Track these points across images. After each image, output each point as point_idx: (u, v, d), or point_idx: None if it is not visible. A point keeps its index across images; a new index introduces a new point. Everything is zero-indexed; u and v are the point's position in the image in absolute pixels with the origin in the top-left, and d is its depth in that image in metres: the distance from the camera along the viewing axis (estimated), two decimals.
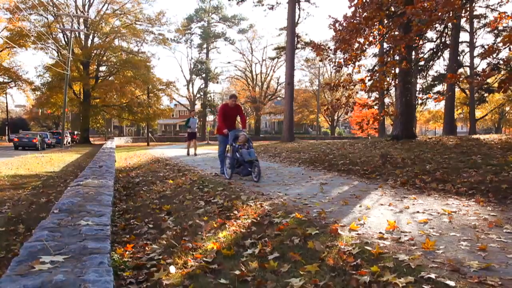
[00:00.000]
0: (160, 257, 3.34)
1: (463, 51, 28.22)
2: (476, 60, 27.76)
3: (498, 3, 20.38)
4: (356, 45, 11.58)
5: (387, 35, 11.91)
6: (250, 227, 4.02)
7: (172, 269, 2.96)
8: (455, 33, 19.90)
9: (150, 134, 47.34)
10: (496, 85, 15.13)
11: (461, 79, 14.62)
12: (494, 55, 11.25)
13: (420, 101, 24.04)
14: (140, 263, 3.21)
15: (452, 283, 2.39)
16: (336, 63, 12.50)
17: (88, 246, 2.67)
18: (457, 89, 27.17)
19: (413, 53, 13.33)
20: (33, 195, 7.62)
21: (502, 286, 2.38)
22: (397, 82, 12.31)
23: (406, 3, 10.20)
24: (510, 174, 5.88)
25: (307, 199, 5.29)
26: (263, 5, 29.95)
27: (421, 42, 13.22)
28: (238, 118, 8.74)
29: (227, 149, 8.25)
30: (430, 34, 17.90)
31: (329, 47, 13.49)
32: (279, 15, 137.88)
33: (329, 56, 13.54)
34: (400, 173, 7.07)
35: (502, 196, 5.02)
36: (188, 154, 15.08)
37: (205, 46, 59.61)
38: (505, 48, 8.99)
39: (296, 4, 23.67)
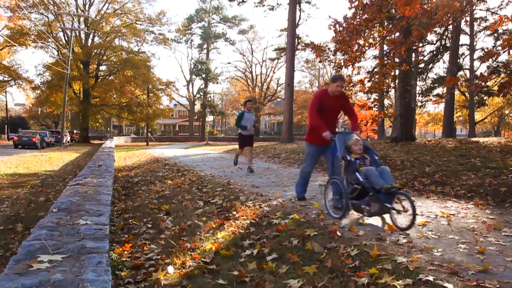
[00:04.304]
0: (159, 257, 3.33)
1: (463, 53, 28.24)
2: (476, 63, 27.77)
3: (499, 6, 20.43)
4: (356, 46, 11.59)
5: (387, 38, 11.92)
6: (249, 228, 4.02)
7: (170, 269, 2.96)
8: (455, 36, 19.91)
9: (149, 134, 47.32)
10: (496, 88, 15.17)
11: (460, 82, 14.64)
12: (494, 59, 11.28)
13: (419, 104, 24.04)
14: (138, 263, 3.20)
15: (450, 286, 2.39)
16: (336, 64, 12.51)
17: (86, 246, 2.67)
18: (456, 92, 27.20)
19: (413, 55, 13.35)
20: (31, 194, 7.61)
21: None
22: (396, 84, 12.33)
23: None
24: (509, 178, 5.89)
25: (306, 200, 5.28)
26: (263, 6, 30.03)
27: (421, 45, 13.23)
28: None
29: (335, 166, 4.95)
30: (430, 36, 17.90)
31: (329, 48, 13.50)
32: (279, 16, 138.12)
33: (329, 57, 13.55)
34: (399, 175, 7.07)
35: (501, 199, 5.03)
36: (235, 163, 9.89)
37: (205, 46, 59.63)
38: (504, 52, 9.01)
39: (297, 5, 23.71)
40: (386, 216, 4.00)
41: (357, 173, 4.12)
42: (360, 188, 4.06)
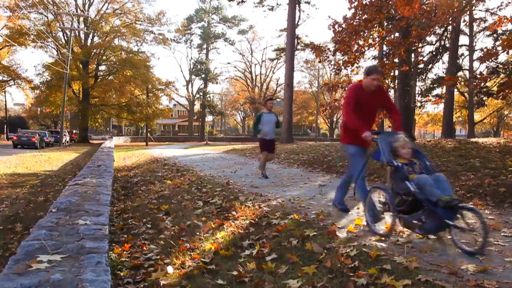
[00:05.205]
0: (158, 257, 3.33)
1: (462, 54, 28.26)
2: (476, 64, 27.79)
3: (498, 7, 20.45)
4: (356, 47, 11.60)
5: (386, 39, 11.94)
6: (248, 228, 4.02)
7: (169, 269, 2.96)
8: (454, 36, 19.95)
9: (149, 134, 47.30)
10: (495, 89, 15.19)
11: (459, 81, 14.68)
12: (493, 59, 11.31)
13: (418, 104, 24.07)
14: (137, 263, 3.21)
15: (449, 286, 2.40)
16: (335, 64, 12.52)
17: (85, 246, 2.67)
18: (456, 92, 27.24)
19: (413, 55, 13.37)
20: (31, 194, 7.60)
21: None
22: (396, 85, 12.34)
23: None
24: (508, 178, 5.89)
25: (305, 201, 5.29)
26: (263, 6, 30.05)
27: (420, 45, 13.25)
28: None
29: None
30: (430, 37, 17.94)
31: (328, 49, 13.51)
32: (279, 16, 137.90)
33: (328, 57, 13.56)
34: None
35: (500, 199, 5.03)
36: (262, 173, 8.09)
37: (205, 46, 59.66)
38: (503, 52, 9.03)
39: (296, 5, 23.71)
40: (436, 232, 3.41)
41: (407, 182, 3.41)
42: (410, 200, 3.40)
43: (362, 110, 4.15)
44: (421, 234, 3.40)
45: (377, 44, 12.58)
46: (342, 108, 4.65)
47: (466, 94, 30.21)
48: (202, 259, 3.16)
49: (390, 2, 10.55)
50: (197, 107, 62.85)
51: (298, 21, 24.95)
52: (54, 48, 39.09)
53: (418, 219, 3.30)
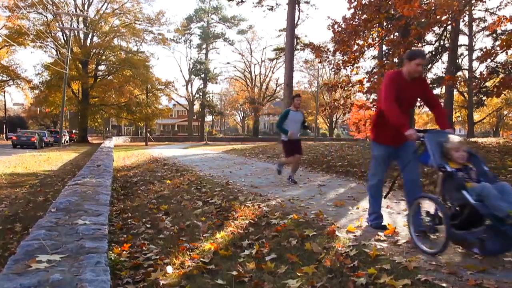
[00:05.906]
0: (157, 257, 3.34)
1: (462, 54, 28.23)
2: (475, 64, 27.77)
3: (497, 6, 20.49)
4: (355, 47, 11.60)
5: (386, 38, 11.95)
6: (248, 228, 4.02)
7: (169, 269, 2.96)
8: (454, 36, 19.94)
9: (148, 134, 47.28)
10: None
11: (458, 81, 14.70)
12: (492, 59, 11.32)
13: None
14: (137, 263, 3.21)
15: (448, 286, 2.40)
16: (335, 65, 12.52)
17: (85, 246, 2.67)
18: (455, 92, 27.22)
19: None
20: (30, 194, 7.60)
21: None
22: None
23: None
24: (507, 178, 5.90)
25: (304, 201, 5.29)
26: (262, 6, 30.01)
27: (420, 45, 13.27)
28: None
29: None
30: (429, 36, 17.97)
31: (328, 49, 13.51)
32: (278, 16, 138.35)
33: (328, 57, 13.56)
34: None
35: None
36: (280, 172, 7.57)
37: (204, 46, 59.66)
38: (502, 52, 9.04)
39: (296, 5, 23.70)
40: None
41: (464, 192, 2.83)
42: (467, 213, 2.82)
43: (400, 102, 3.48)
44: (480, 255, 2.84)
45: (376, 44, 12.59)
46: (379, 99, 3.97)
47: (465, 94, 30.22)
48: (201, 259, 3.16)
49: (390, 2, 10.54)
50: (196, 107, 62.85)
51: (297, 21, 24.96)
52: (53, 48, 39.08)
53: (477, 237, 2.75)
